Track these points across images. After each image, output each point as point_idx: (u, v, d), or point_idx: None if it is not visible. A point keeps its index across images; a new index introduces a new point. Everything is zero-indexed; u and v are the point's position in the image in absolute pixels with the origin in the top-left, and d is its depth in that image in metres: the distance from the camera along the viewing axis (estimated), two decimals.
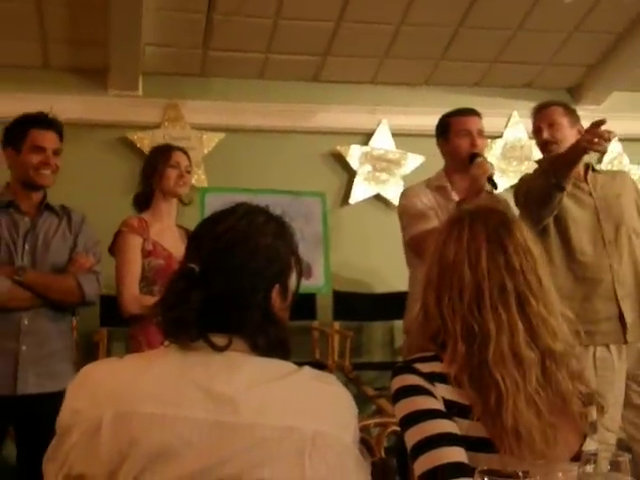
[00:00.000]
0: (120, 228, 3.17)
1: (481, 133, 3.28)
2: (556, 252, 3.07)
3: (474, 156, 3.17)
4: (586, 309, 3.00)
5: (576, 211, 3.12)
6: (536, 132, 3.32)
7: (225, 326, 1.40)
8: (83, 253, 2.97)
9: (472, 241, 1.57)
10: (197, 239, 1.49)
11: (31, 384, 2.84)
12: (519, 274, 1.54)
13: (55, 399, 2.91)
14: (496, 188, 3.14)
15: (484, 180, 3.10)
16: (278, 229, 1.50)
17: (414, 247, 3.13)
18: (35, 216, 2.97)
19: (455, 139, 3.28)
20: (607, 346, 3.01)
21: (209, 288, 1.40)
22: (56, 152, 3.03)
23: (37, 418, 2.83)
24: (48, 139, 3.02)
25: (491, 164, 3.18)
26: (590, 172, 3.27)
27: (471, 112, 3.34)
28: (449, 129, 3.31)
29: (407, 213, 3.24)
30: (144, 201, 3.27)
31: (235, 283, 1.41)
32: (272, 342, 1.41)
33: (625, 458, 1.19)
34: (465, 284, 1.54)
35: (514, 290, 1.53)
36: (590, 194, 3.18)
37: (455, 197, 3.20)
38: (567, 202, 3.11)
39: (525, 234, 1.60)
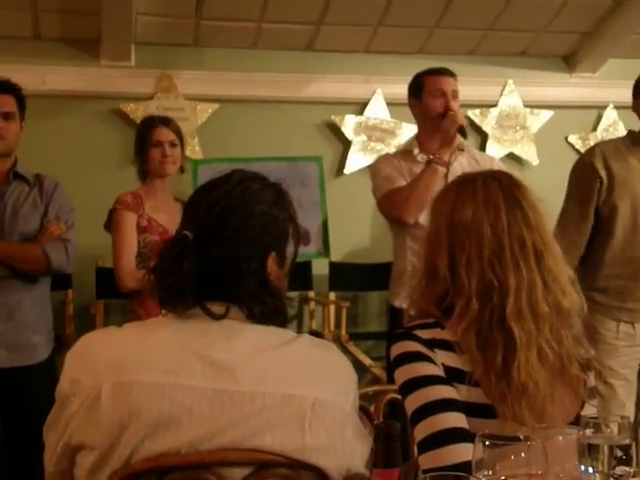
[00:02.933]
0: (114, 206, 3.14)
1: (456, 94, 3.24)
2: (605, 229, 3.08)
3: (446, 112, 3.19)
4: (631, 288, 3.04)
5: (639, 186, 3.06)
6: None
7: (221, 294, 1.40)
8: (54, 221, 2.92)
9: (489, 198, 1.57)
10: (191, 206, 1.49)
11: (2, 358, 2.81)
12: (535, 229, 1.56)
13: (30, 372, 2.93)
14: (465, 137, 3.15)
15: (454, 131, 3.13)
16: (274, 196, 1.49)
17: (384, 206, 3.25)
18: (3, 185, 2.91)
19: (428, 99, 3.26)
20: (632, 323, 3.06)
21: (204, 256, 1.39)
22: (7, 116, 2.90)
23: (13, 392, 2.82)
24: (2, 103, 2.89)
25: (463, 116, 3.18)
26: None
27: (446, 72, 3.29)
28: (422, 88, 3.29)
29: (377, 176, 3.32)
30: (142, 176, 3.25)
31: (230, 251, 1.40)
32: (268, 310, 1.41)
33: (626, 420, 1.20)
34: (485, 241, 1.54)
35: (532, 245, 1.55)
36: None
37: (420, 159, 3.23)
38: (632, 179, 3.05)
39: (532, 194, 1.62)
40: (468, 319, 1.51)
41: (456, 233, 1.57)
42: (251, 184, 1.48)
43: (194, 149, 4.95)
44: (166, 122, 3.21)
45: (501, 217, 1.55)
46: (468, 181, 1.63)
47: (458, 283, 1.55)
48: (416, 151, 3.27)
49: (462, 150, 3.26)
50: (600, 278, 3.07)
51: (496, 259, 1.53)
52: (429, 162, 3.14)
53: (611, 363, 2.96)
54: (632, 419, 1.26)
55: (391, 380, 1.62)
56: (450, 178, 3.19)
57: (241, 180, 1.48)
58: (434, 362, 1.50)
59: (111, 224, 3.15)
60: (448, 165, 3.14)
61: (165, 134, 3.15)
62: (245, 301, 1.40)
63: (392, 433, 1.09)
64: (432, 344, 1.52)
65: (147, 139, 3.16)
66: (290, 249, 1.50)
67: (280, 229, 1.47)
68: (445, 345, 1.52)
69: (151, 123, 3.23)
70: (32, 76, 4.49)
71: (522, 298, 1.51)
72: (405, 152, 3.36)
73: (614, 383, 2.96)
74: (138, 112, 4.93)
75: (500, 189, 1.59)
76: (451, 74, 3.28)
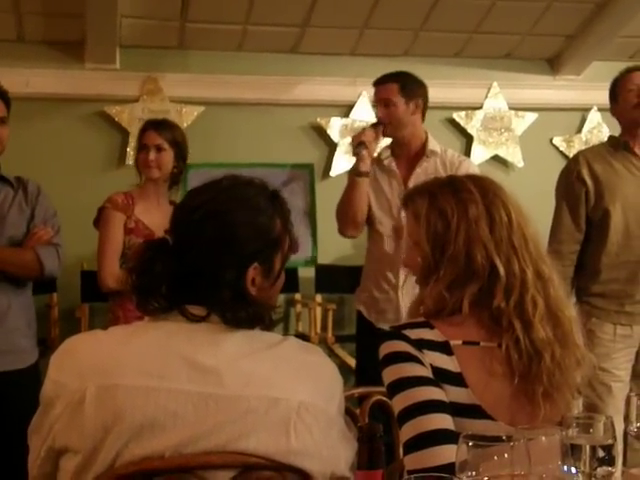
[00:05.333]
0: (104, 204, 3.14)
1: (387, 102, 3.23)
2: (598, 235, 3.10)
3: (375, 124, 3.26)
4: (629, 291, 3.07)
5: (628, 192, 3.08)
6: None
7: (198, 300, 1.39)
8: (42, 225, 2.88)
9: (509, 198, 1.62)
10: (176, 210, 1.48)
11: None
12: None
13: (20, 377, 2.90)
14: (353, 155, 3.20)
15: (354, 144, 3.20)
16: (269, 204, 1.45)
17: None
18: None
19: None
20: (631, 326, 3.09)
21: (181, 261, 1.38)
22: (1, 120, 2.86)
23: (1, 396, 2.80)
24: None
25: (365, 132, 3.20)
26: None
27: (378, 81, 3.30)
28: None
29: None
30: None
31: (205, 258, 1.38)
32: (242, 319, 1.38)
33: (609, 420, 1.21)
34: (516, 237, 1.57)
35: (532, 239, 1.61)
36: None
37: (385, 163, 3.29)
38: (620, 184, 3.09)
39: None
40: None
41: (492, 230, 1.57)
42: (241, 191, 1.45)
43: None
44: (157, 126, 3.19)
45: (512, 215, 1.59)
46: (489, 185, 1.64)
47: (497, 274, 1.54)
48: (385, 154, 3.30)
49: (427, 156, 3.26)
50: (597, 284, 3.10)
51: (525, 252, 1.58)
52: (349, 174, 3.23)
53: (607, 365, 3.00)
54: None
55: (359, 381, 1.62)
56: (414, 183, 3.19)
57: (231, 186, 1.45)
58: (422, 363, 1.51)
59: (99, 222, 3.15)
60: (365, 174, 3.18)
61: (152, 138, 3.14)
62: (218, 309, 1.38)
63: (375, 434, 1.09)
64: (420, 344, 1.52)
65: (138, 142, 3.19)
66: (279, 260, 1.45)
67: (268, 239, 1.43)
68: (434, 345, 1.52)
69: (144, 126, 3.24)
70: (16, 78, 4.45)
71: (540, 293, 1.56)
72: (377, 155, 3.40)
73: (611, 385, 3.01)
74: (123, 115, 4.92)
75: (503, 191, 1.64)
76: (381, 82, 3.27)
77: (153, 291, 1.39)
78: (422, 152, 3.26)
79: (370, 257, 3.34)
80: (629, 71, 3.18)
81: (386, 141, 3.45)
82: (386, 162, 3.29)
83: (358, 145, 3.17)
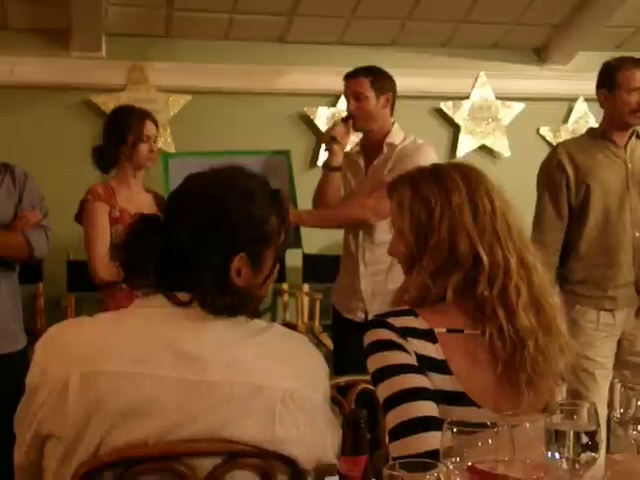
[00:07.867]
0: (86, 196, 3.13)
1: (358, 95, 3.21)
2: (578, 221, 3.13)
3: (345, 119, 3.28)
4: (610, 276, 3.09)
5: (607, 178, 3.11)
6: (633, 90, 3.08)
7: (180, 282, 1.39)
8: (30, 208, 2.90)
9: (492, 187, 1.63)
10: (172, 192, 1.48)
11: None
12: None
13: (11, 360, 2.89)
14: (325, 149, 3.27)
15: (327, 140, 3.26)
16: (264, 199, 1.45)
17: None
18: None
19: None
20: (612, 311, 3.12)
21: (169, 241, 1.39)
22: None
23: None
24: None
25: (336, 127, 3.25)
26: (633, 139, 3.17)
27: (350, 74, 3.28)
28: None
29: None
30: (102, 157, 3.21)
31: (192, 240, 1.38)
32: (220, 307, 1.37)
33: (593, 407, 1.21)
34: (499, 226, 1.58)
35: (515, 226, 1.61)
36: (625, 161, 3.14)
37: (360, 162, 3.29)
38: (599, 170, 3.11)
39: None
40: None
41: (476, 218, 1.57)
42: (243, 181, 1.45)
43: (166, 141, 4.92)
44: (151, 116, 3.23)
45: (494, 203, 1.60)
46: (469, 172, 1.64)
47: (480, 261, 1.54)
48: (355, 149, 3.32)
49: (385, 149, 3.22)
50: (579, 270, 3.14)
51: (508, 240, 1.58)
52: (322, 169, 3.30)
53: (590, 353, 3.03)
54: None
55: (335, 370, 1.63)
56: (372, 176, 3.21)
57: (232, 176, 1.45)
58: (406, 350, 1.51)
59: (83, 215, 3.13)
60: (337, 169, 3.23)
61: (152, 129, 3.18)
62: (201, 293, 1.37)
63: (359, 421, 1.10)
64: (405, 332, 1.53)
65: (137, 132, 3.13)
66: (269, 255, 1.45)
67: (260, 233, 1.43)
68: (418, 333, 1.53)
69: (141, 115, 3.20)
70: (0, 67, 4.44)
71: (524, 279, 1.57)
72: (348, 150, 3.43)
73: (594, 372, 3.05)
74: (109, 104, 4.87)
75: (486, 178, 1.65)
76: (353, 75, 3.25)
77: (139, 267, 1.39)
78: (382, 145, 3.25)
79: (343, 248, 3.39)
80: (634, 65, 3.08)
81: (359, 136, 3.46)
82: (355, 157, 3.31)
83: (330, 140, 3.22)
